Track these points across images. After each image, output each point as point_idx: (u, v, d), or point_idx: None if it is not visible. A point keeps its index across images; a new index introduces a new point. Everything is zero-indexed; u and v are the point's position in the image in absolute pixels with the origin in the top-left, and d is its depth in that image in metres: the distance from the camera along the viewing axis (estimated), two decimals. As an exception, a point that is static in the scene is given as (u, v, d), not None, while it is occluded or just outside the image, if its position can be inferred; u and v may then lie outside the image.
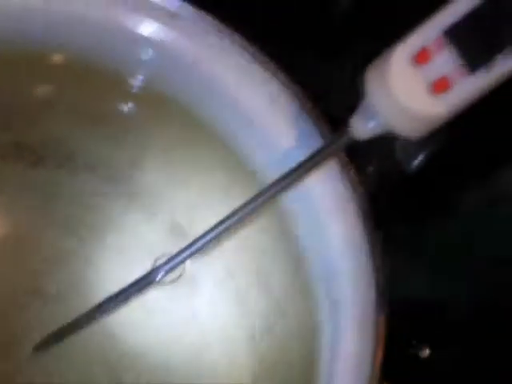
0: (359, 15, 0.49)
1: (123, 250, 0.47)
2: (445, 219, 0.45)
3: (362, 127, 0.37)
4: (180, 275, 0.46)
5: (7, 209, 0.48)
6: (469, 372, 0.44)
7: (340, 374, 0.39)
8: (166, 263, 0.43)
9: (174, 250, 0.43)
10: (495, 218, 0.44)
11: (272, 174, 0.41)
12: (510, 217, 0.44)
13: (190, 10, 0.41)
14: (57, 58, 0.45)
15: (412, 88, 0.35)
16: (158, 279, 0.43)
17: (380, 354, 0.38)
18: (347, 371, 0.39)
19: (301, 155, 0.40)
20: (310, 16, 0.50)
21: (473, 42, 0.34)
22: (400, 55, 0.35)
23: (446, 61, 0.34)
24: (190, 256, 0.43)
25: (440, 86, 0.35)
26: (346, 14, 0.49)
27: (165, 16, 0.41)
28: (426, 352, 0.44)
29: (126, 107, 0.46)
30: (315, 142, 0.41)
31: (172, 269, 0.43)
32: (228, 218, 0.42)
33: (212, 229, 0.42)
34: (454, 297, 0.46)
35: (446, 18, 0.34)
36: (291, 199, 0.43)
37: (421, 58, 0.35)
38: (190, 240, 0.43)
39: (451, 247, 0.45)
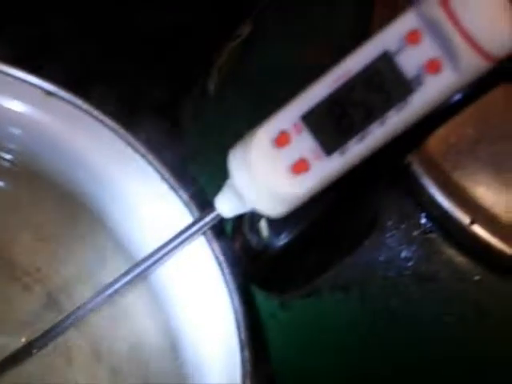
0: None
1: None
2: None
3: (226, 206, 0.39)
4: (55, 347, 0.46)
5: None
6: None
7: None
8: (41, 336, 0.44)
9: (51, 323, 0.44)
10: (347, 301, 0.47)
11: (143, 249, 0.43)
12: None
13: (61, 91, 0.43)
14: None
15: (273, 169, 0.37)
16: (33, 352, 0.44)
17: None
18: None
19: (171, 232, 0.42)
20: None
21: (327, 127, 0.36)
22: (261, 138, 0.37)
23: (303, 144, 0.37)
24: (65, 329, 0.44)
25: (299, 168, 0.37)
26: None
27: (36, 95, 0.43)
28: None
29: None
30: (185, 220, 0.43)
31: (47, 342, 0.44)
32: (99, 293, 0.43)
33: (85, 303, 0.43)
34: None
35: (303, 103, 0.37)
36: (161, 274, 0.44)
37: (280, 141, 0.37)
38: (65, 313, 0.44)
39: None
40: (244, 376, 0.41)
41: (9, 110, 0.43)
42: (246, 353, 0.42)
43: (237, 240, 0.44)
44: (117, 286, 0.43)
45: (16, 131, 0.44)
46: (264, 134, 0.37)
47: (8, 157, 0.46)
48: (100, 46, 0.56)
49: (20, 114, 0.43)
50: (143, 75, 0.55)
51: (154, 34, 0.56)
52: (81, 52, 0.52)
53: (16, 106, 0.43)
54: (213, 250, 0.43)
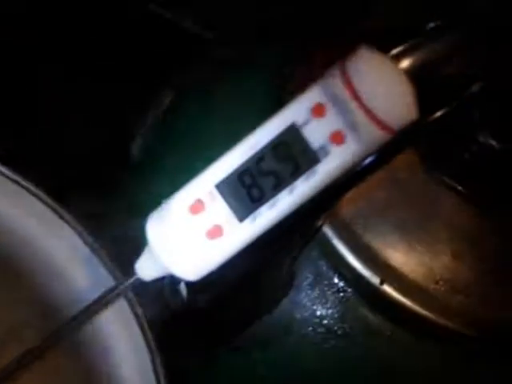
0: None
1: None
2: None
3: (146, 270, 0.41)
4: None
5: None
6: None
7: None
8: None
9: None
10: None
11: (68, 311, 0.44)
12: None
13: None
14: None
15: (188, 236, 0.38)
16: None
17: None
18: None
19: (95, 295, 0.43)
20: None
21: (239, 195, 0.38)
22: (177, 206, 0.39)
23: (217, 211, 0.38)
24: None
25: (213, 234, 0.39)
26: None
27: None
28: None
29: None
30: (108, 284, 0.44)
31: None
32: (26, 353, 0.44)
33: (12, 363, 0.44)
34: None
35: (217, 173, 0.38)
36: (86, 335, 0.46)
37: (196, 208, 0.39)
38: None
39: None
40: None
41: None
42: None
43: (158, 302, 0.46)
44: (40, 348, 0.44)
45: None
46: (180, 202, 0.39)
47: None
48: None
49: None
50: (72, 143, 0.56)
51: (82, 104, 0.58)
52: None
53: None
54: (135, 313, 0.44)
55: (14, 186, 0.45)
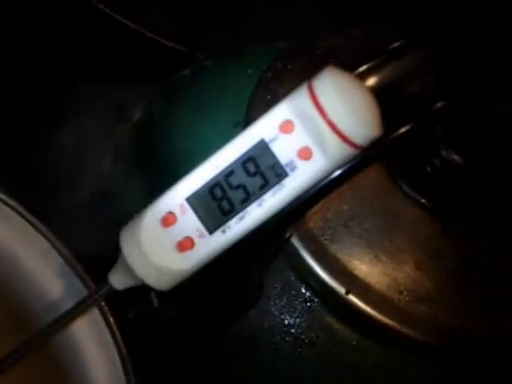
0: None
1: None
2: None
3: (119, 280, 0.42)
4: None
5: None
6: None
7: None
8: None
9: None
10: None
11: (44, 321, 0.45)
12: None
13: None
14: None
15: (160, 247, 0.40)
16: None
17: None
18: None
19: (69, 304, 0.44)
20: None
21: (209, 208, 0.40)
22: (149, 219, 0.40)
23: (188, 224, 0.40)
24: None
25: (184, 245, 0.40)
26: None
27: None
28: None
29: None
30: (81, 293, 0.45)
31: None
32: (1, 361, 0.45)
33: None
34: None
35: (188, 186, 0.40)
36: (59, 343, 0.47)
37: (167, 221, 0.40)
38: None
39: None
40: None
41: None
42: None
43: (130, 309, 0.47)
44: (15, 356, 0.45)
45: None
46: (152, 215, 0.40)
47: None
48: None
49: None
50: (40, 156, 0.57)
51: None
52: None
53: None
54: (107, 322, 0.45)
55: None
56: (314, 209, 0.48)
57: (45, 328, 0.44)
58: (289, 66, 0.51)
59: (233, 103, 0.51)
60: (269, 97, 0.50)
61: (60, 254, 0.46)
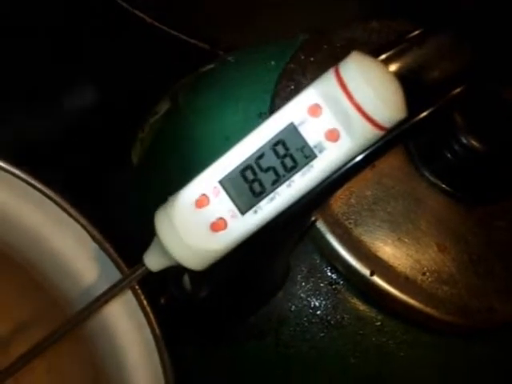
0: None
1: None
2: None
3: (154, 261, 0.44)
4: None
5: None
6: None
7: None
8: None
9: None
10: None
11: (79, 305, 0.46)
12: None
13: (4, 163, 0.47)
14: None
15: (194, 228, 0.41)
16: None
17: None
18: None
19: (103, 288, 0.46)
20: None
21: (241, 189, 0.41)
22: (183, 200, 0.41)
23: (221, 205, 0.41)
24: (4, 380, 0.47)
25: (217, 226, 0.41)
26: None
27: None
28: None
29: None
30: (115, 277, 0.47)
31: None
32: (34, 348, 0.46)
33: (24, 355, 0.46)
34: None
35: (220, 169, 0.41)
36: (93, 327, 0.48)
37: (200, 203, 0.41)
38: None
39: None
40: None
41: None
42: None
43: (163, 294, 0.48)
44: (50, 340, 0.46)
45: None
46: (186, 197, 0.41)
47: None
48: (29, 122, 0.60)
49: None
50: (69, 148, 0.59)
51: (80, 112, 0.61)
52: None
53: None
54: (141, 305, 0.47)
55: (22, 184, 0.47)
56: (339, 194, 0.49)
57: (79, 311, 0.46)
58: (311, 58, 0.52)
59: (257, 94, 0.53)
60: (292, 87, 0.51)
61: (93, 238, 0.47)
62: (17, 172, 0.47)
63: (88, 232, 0.47)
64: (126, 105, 0.61)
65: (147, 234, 0.44)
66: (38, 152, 0.51)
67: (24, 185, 0.47)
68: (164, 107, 0.57)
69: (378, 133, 0.40)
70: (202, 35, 0.62)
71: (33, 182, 0.47)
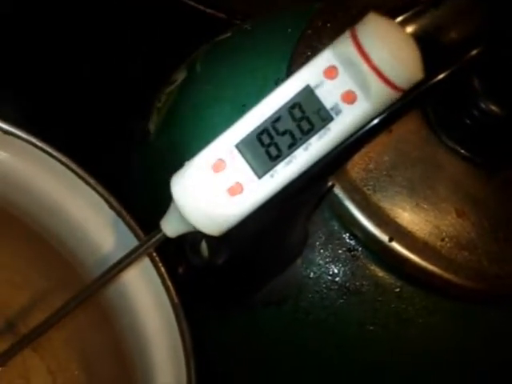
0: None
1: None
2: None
3: (171, 227, 0.44)
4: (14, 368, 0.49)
5: None
6: None
7: None
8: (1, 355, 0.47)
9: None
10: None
11: (96, 273, 0.47)
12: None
13: (19, 130, 0.47)
14: None
15: (211, 192, 0.41)
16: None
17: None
18: None
19: (120, 254, 0.46)
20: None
21: (258, 153, 0.41)
22: (200, 164, 0.41)
23: (238, 169, 0.41)
24: (22, 348, 0.47)
25: (234, 191, 0.41)
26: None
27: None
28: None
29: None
30: (133, 245, 0.47)
31: (5, 361, 0.47)
32: (52, 315, 0.46)
33: (41, 324, 0.47)
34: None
35: (236, 133, 0.41)
36: (111, 294, 0.48)
37: (217, 167, 0.41)
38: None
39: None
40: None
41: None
42: (192, 363, 0.45)
43: (179, 261, 0.48)
44: (68, 308, 0.46)
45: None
46: (203, 161, 0.41)
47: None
48: (47, 93, 0.60)
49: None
50: (89, 117, 0.59)
51: (98, 80, 0.61)
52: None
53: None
54: (158, 271, 0.47)
55: (42, 154, 0.47)
56: (356, 160, 0.49)
57: (96, 278, 0.46)
58: (328, 24, 0.52)
59: (274, 62, 0.53)
60: (309, 53, 0.51)
61: (110, 205, 0.47)
62: (36, 142, 0.47)
63: (105, 199, 0.47)
64: (143, 74, 0.60)
65: (163, 202, 0.44)
66: (54, 121, 0.51)
67: (43, 155, 0.47)
68: (181, 76, 0.56)
69: (394, 94, 0.40)
70: (218, 5, 0.62)
71: (49, 149, 0.47)
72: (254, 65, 0.54)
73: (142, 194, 0.54)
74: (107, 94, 0.61)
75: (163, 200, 0.44)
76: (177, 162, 0.43)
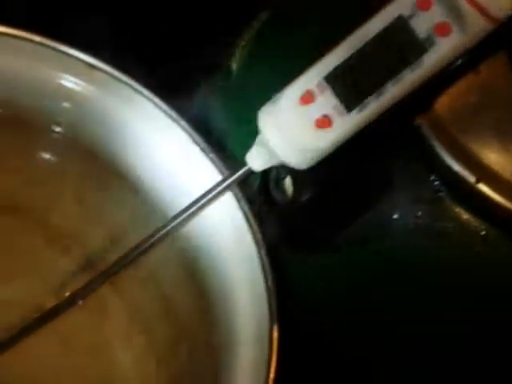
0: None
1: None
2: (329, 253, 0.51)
3: (257, 160, 0.43)
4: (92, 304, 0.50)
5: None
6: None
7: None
8: (80, 289, 0.48)
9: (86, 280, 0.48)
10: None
11: (176, 208, 0.47)
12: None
13: (104, 64, 0.47)
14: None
15: (299, 125, 0.41)
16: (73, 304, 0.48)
17: (274, 360, 0.44)
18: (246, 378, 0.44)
19: (201, 190, 0.46)
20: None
21: (347, 86, 0.41)
22: (288, 97, 0.41)
23: (326, 102, 0.41)
24: (100, 284, 0.48)
25: (322, 123, 0.41)
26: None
27: (82, 69, 0.47)
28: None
29: (48, 154, 0.51)
30: (214, 179, 0.46)
31: (85, 295, 0.48)
32: (132, 250, 0.47)
33: (119, 260, 0.47)
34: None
35: (326, 65, 0.41)
36: (192, 230, 0.48)
37: (306, 99, 0.41)
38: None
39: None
40: (271, 320, 0.45)
41: (59, 84, 0.47)
42: (273, 300, 0.45)
43: (263, 198, 0.48)
44: (147, 244, 0.47)
45: (65, 105, 0.48)
46: (291, 93, 0.41)
47: (57, 129, 0.49)
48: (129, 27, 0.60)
49: (68, 88, 0.47)
50: (170, 55, 0.59)
51: (180, 17, 0.60)
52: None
53: (64, 80, 0.47)
54: (241, 207, 0.46)
55: (127, 90, 0.47)
56: (443, 100, 0.48)
57: (178, 213, 0.46)
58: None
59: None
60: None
61: (194, 141, 0.47)
62: (121, 76, 0.47)
63: (189, 135, 0.47)
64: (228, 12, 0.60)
65: (247, 138, 0.44)
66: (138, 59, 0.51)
67: (129, 91, 0.47)
68: (265, 15, 0.56)
69: (490, 25, 0.39)
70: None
71: (137, 86, 0.47)
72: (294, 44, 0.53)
73: (226, 131, 0.54)
74: (189, 31, 0.60)
75: (248, 135, 0.44)
76: (262, 98, 0.43)
